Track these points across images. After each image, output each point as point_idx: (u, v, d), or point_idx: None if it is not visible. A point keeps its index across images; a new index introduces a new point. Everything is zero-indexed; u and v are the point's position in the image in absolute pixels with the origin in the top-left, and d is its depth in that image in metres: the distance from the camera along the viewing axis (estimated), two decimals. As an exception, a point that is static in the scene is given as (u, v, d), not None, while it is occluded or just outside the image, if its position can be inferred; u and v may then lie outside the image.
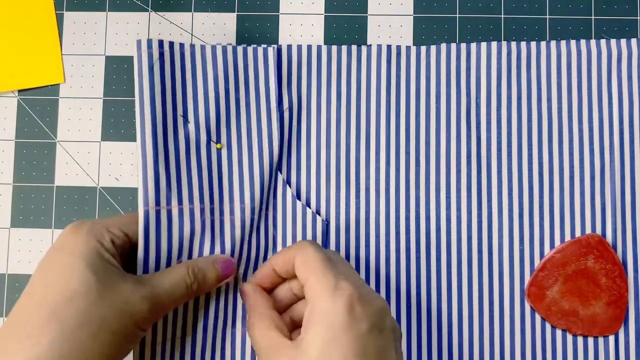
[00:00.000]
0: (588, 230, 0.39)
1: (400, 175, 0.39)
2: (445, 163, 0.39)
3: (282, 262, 0.34)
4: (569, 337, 0.38)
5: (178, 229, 0.36)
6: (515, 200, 0.39)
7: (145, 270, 0.35)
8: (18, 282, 0.40)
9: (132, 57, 0.42)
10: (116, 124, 0.41)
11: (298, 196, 0.39)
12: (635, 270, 0.38)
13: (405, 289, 0.39)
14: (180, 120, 0.37)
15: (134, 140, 0.41)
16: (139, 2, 0.42)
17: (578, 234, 0.39)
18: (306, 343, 0.30)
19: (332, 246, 0.39)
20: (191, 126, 0.37)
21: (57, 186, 0.41)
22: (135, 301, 0.31)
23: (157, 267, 0.35)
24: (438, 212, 0.39)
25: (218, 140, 0.38)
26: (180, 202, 0.36)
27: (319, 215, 0.39)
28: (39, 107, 0.42)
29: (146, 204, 0.35)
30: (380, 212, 0.39)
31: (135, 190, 0.41)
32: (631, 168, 0.39)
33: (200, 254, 0.36)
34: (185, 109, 0.37)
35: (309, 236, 0.39)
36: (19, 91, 0.42)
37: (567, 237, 0.39)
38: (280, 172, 0.39)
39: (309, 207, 0.39)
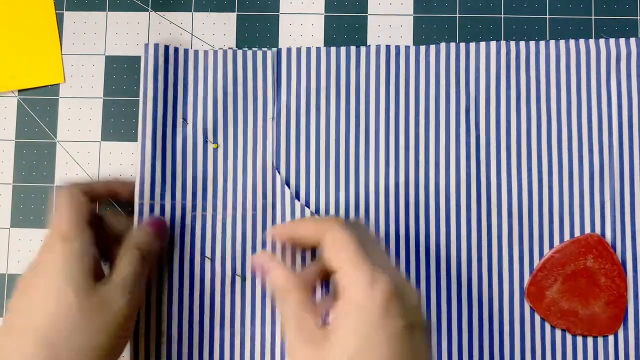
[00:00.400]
0: (587, 230, 0.39)
1: (400, 175, 0.39)
2: (444, 163, 0.39)
3: (313, 232, 0.34)
4: (569, 337, 0.38)
5: (170, 224, 0.38)
6: (515, 200, 0.39)
7: None
8: (18, 282, 0.40)
9: (132, 57, 0.42)
10: (116, 124, 0.41)
11: (297, 196, 0.39)
12: (634, 270, 0.38)
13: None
14: (180, 121, 0.39)
15: (134, 140, 0.41)
16: (139, 2, 0.42)
17: (577, 233, 0.39)
18: (337, 337, 0.30)
19: None
20: (189, 127, 0.39)
21: (57, 186, 0.41)
22: (112, 298, 0.32)
23: None
24: (437, 213, 0.39)
25: (214, 141, 0.39)
26: (173, 197, 0.38)
27: (318, 214, 0.39)
28: (39, 107, 0.42)
29: (141, 197, 0.38)
30: (380, 213, 0.39)
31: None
32: (630, 167, 0.39)
33: (192, 249, 0.38)
34: (185, 111, 0.39)
35: None
36: (19, 91, 0.42)
37: (567, 237, 0.39)
38: (279, 172, 0.39)
39: (308, 207, 0.39)
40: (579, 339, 0.38)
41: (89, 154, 0.41)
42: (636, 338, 0.38)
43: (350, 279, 0.31)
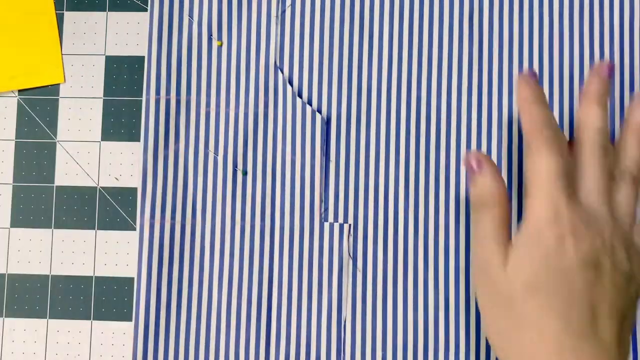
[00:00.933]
0: None
1: (402, 75, 0.40)
2: (447, 66, 0.40)
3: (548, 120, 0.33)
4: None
5: (175, 117, 0.40)
6: (515, 105, 0.40)
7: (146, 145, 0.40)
8: (18, 282, 0.40)
9: (132, 57, 0.42)
10: (116, 124, 0.41)
11: (299, 94, 0.40)
12: None
13: (403, 189, 0.39)
14: (186, 19, 0.41)
15: (134, 140, 0.41)
16: (139, 2, 0.42)
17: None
18: (514, 263, 0.31)
19: (332, 145, 0.40)
20: (194, 24, 0.40)
21: (57, 186, 0.41)
22: None
23: (156, 153, 0.40)
24: (439, 113, 0.40)
25: (219, 38, 0.40)
26: (178, 93, 0.40)
27: (320, 113, 0.40)
28: (39, 107, 0.42)
29: (148, 93, 0.40)
30: (381, 112, 0.40)
31: (135, 190, 0.41)
32: (630, 74, 0.40)
33: (197, 140, 0.40)
34: (191, 8, 0.41)
35: (309, 134, 0.39)
36: (19, 91, 0.42)
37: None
38: (282, 71, 0.40)
39: (310, 105, 0.40)
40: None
41: (89, 154, 0.41)
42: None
43: (534, 209, 0.31)
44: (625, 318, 0.31)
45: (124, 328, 0.39)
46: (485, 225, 0.33)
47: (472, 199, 0.34)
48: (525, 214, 0.32)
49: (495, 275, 0.32)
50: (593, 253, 0.30)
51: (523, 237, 0.32)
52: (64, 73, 0.42)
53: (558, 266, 0.30)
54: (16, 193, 0.41)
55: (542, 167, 0.32)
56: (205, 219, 0.40)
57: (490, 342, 0.33)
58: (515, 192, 0.39)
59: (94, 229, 0.41)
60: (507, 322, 0.31)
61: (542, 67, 0.40)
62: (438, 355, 0.38)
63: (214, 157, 0.40)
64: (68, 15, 0.42)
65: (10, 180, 0.41)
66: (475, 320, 0.38)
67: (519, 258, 0.31)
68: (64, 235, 0.41)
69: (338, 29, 0.41)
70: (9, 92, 0.42)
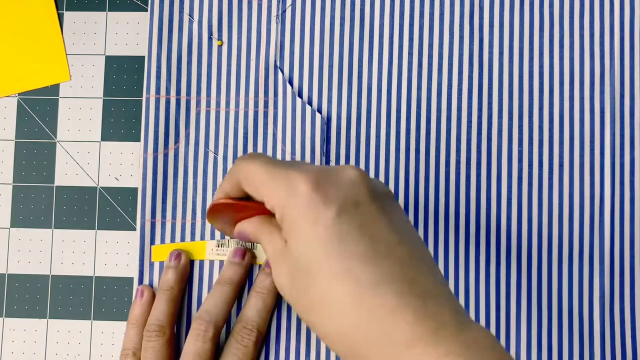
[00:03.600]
0: (587, 134, 0.39)
1: (402, 75, 0.40)
2: (447, 64, 0.40)
3: (230, 188, 0.32)
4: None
5: (175, 117, 0.40)
6: (516, 102, 0.40)
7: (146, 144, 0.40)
8: (18, 282, 0.40)
9: (132, 57, 0.42)
10: (116, 124, 0.41)
11: (299, 94, 0.40)
12: (632, 174, 0.39)
13: (403, 188, 0.39)
14: (186, 18, 0.40)
15: (134, 140, 0.41)
16: (139, 2, 0.42)
17: (577, 137, 0.39)
18: (288, 247, 0.29)
19: (333, 144, 0.40)
20: (195, 23, 0.40)
21: (57, 186, 0.41)
22: None
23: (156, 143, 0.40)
24: (439, 113, 0.40)
25: (219, 37, 0.40)
26: (178, 93, 0.40)
27: (320, 113, 0.40)
28: (39, 107, 0.42)
29: (148, 92, 0.40)
30: (382, 111, 0.40)
31: (135, 190, 0.41)
32: (630, 74, 0.40)
33: (197, 140, 0.40)
34: (192, 7, 0.41)
35: (309, 134, 0.39)
36: (19, 91, 0.42)
37: (566, 140, 0.39)
38: (282, 71, 0.40)
39: (310, 105, 0.40)
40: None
41: (89, 154, 0.41)
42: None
43: (269, 193, 0.29)
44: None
45: (124, 328, 0.39)
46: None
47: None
48: None
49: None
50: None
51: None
52: (69, 71, 0.42)
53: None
54: (16, 193, 0.41)
55: None
56: (205, 219, 0.40)
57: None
58: (515, 192, 0.39)
59: (94, 229, 0.41)
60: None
61: (542, 67, 0.40)
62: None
63: (214, 157, 0.40)
64: (68, 15, 0.42)
65: (10, 180, 0.41)
66: (473, 318, 0.38)
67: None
68: (64, 235, 0.41)
69: (338, 28, 0.41)
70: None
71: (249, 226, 0.33)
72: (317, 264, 0.27)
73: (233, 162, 0.40)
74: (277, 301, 0.38)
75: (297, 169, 0.29)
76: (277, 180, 0.29)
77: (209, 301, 0.37)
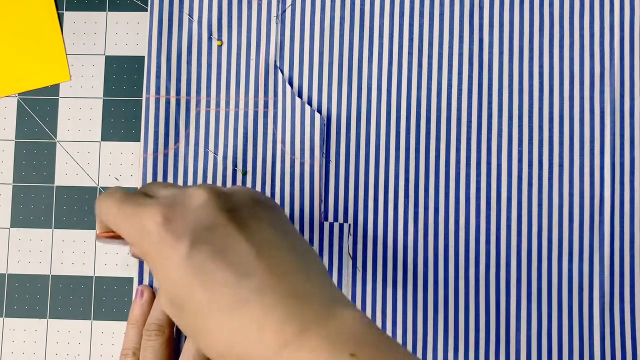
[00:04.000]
0: (587, 134, 0.39)
1: (402, 75, 0.40)
2: (447, 64, 0.40)
3: (99, 225, 0.32)
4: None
5: (175, 117, 0.40)
6: (516, 102, 0.40)
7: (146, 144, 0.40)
8: (18, 282, 0.40)
9: (132, 57, 0.42)
10: (116, 124, 0.41)
11: (299, 94, 0.40)
12: (632, 173, 0.39)
13: (403, 189, 0.39)
14: (185, 17, 0.40)
15: (134, 140, 0.41)
16: (139, 2, 0.42)
17: (577, 137, 0.39)
18: (156, 282, 0.29)
19: (332, 144, 0.40)
20: (194, 23, 0.40)
21: (57, 186, 0.41)
22: None
23: (157, 148, 0.40)
24: (439, 113, 0.40)
25: (219, 37, 0.40)
26: (178, 93, 0.40)
27: (320, 113, 0.40)
28: (39, 107, 0.42)
29: (147, 92, 0.40)
30: (382, 111, 0.40)
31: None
32: (630, 74, 0.40)
33: (197, 140, 0.40)
34: (191, 7, 0.41)
35: (308, 134, 0.39)
36: (19, 91, 0.42)
37: (566, 140, 0.39)
38: (282, 71, 0.40)
39: (310, 105, 0.40)
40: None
41: (89, 154, 0.41)
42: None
43: (128, 238, 0.29)
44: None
45: (124, 328, 0.39)
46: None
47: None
48: None
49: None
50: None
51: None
52: (69, 71, 0.42)
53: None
54: (16, 193, 0.41)
55: None
56: None
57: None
58: (515, 192, 0.39)
59: (94, 228, 0.41)
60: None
61: (542, 67, 0.40)
62: (437, 354, 0.38)
63: (214, 157, 0.40)
64: (68, 15, 0.42)
65: (10, 180, 0.41)
66: (474, 319, 0.38)
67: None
68: (64, 235, 0.41)
69: (338, 28, 0.41)
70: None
71: (133, 252, 0.33)
72: (184, 299, 0.27)
73: (233, 162, 0.40)
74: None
75: (145, 205, 0.28)
76: (128, 220, 0.29)
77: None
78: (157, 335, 0.36)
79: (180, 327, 0.29)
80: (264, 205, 0.30)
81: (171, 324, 0.37)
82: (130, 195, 0.30)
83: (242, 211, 0.29)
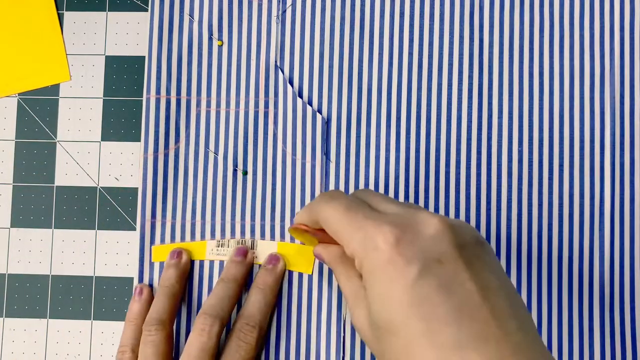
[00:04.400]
0: (587, 134, 0.39)
1: (403, 75, 0.40)
2: (447, 65, 0.40)
3: (308, 221, 0.33)
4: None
5: (175, 117, 0.40)
6: (516, 102, 0.40)
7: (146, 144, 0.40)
8: (18, 282, 0.40)
9: (132, 57, 0.42)
10: (116, 124, 0.41)
11: (300, 94, 0.40)
12: (632, 173, 0.39)
13: (403, 188, 0.39)
14: (186, 17, 0.40)
15: (134, 140, 0.41)
16: (139, 2, 0.42)
17: (577, 136, 0.39)
18: (367, 297, 0.28)
19: (332, 145, 0.40)
20: (195, 23, 0.40)
21: (57, 186, 0.41)
22: None
23: (157, 147, 0.40)
24: (439, 113, 0.40)
25: (219, 37, 0.40)
26: (178, 93, 0.40)
27: (320, 113, 0.40)
28: (39, 107, 0.42)
29: (148, 92, 0.40)
30: (382, 112, 0.40)
31: (135, 190, 0.41)
32: (630, 74, 0.40)
33: (197, 140, 0.40)
34: (192, 7, 0.41)
35: (309, 134, 0.40)
36: (19, 91, 0.42)
37: (566, 140, 0.39)
38: (282, 71, 0.40)
39: (310, 105, 0.40)
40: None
41: (89, 154, 0.41)
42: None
43: (351, 250, 0.29)
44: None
45: (124, 328, 0.39)
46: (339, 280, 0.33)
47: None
48: None
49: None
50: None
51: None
52: (69, 71, 0.42)
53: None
54: (16, 193, 0.41)
55: None
56: (205, 219, 0.40)
57: None
58: (515, 192, 0.39)
59: (94, 229, 0.41)
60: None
61: (542, 67, 0.40)
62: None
63: (214, 157, 0.40)
64: (68, 15, 0.42)
65: (10, 180, 0.41)
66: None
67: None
68: (64, 235, 0.41)
69: (338, 29, 0.41)
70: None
71: (326, 255, 0.34)
72: (397, 325, 0.27)
73: (233, 162, 0.40)
74: (278, 299, 0.38)
75: (375, 220, 0.28)
76: (355, 232, 0.29)
77: (213, 297, 0.37)
78: (157, 330, 0.36)
79: (373, 350, 0.29)
80: (485, 247, 0.29)
81: (172, 320, 0.37)
82: (356, 204, 0.30)
83: (469, 249, 0.28)
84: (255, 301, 0.37)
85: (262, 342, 0.38)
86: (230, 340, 0.36)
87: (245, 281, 0.38)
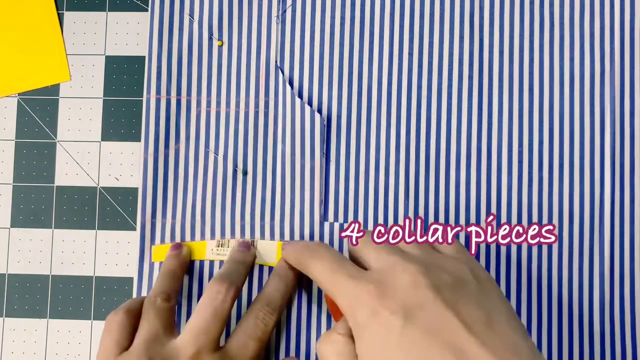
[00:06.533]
0: (587, 134, 0.39)
1: (403, 75, 0.40)
2: (447, 65, 0.40)
3: (296, 265, 0.36)
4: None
5: (175, 117, 0.40)
6: (516, 103, 0.40)
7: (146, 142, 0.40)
8: (18, 282, 0.40)
9: (132, 57, 0.42)
10: (116, 124, 0.41)
11: (299, 94, 0.40)
12: (632, 173, 0.39)
13: (403, 189, 0.39)
14: (186, 17, 0.40)
15: (134, 140, 0.41)
16: (139, 2, 0.42)
17: (577, 136, 0.39)
18: (359, 350, 0.30)
19: (332, 145, 0.40)
20: (195, 23, 0.41)
21: (57, 186, 0.41)
22: None
23: (157, 143, 0.40)
24: (439, 113, 0.40)
25: (219, 38, 0.41)
26: (178, 93, 0.40)
27: (320, 113, 0.40)
28: (39, 107, 0.42)
29: (148, 92, 0.40)
30: (382, 111, 0.40)
31: (135, 190, 0.41)
32: (631, 74, 0.40)
33: (197, 140, 0.40)
34: (192, 7, 0.41)
35: (309, 134, 0.39)
36: (19, 91, 0.42)
37: (566, 140, 0.39)
38: (282, 71, 0.40)
39: (310, 105, 0.40)
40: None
41: (89, 154, 0.41)
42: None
43: (337, 302, 0.31)
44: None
45: (124, 328, 0.39)
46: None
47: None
48: None
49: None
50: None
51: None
52: (69, 71, 0.42)
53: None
54: (16, 193, 0.41)
55: None
56: (205, 219, 0.40)
57: None
58: (515, 192, 0.39)
59: (94, 229, 0.41)
60: None
61: (542, 67, 0.40)
62: None
63: (214, 157, 0.40)
64: (68, 15, 0.42)
65: (10, 180, 0.41)
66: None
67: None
68: (64, 235, 0.41)
69: (338, 29, 0.41)
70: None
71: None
72: None
73: (233, 162, 0.40)
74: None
75: (359, 280, 0.30)
76: (342, 291, 0.31)
77: (226, 267, 0.36)
78: (163, 300, 0.35)
79: None
80: (464, 281, 0.30)
81: (175, 297, 0.36)
82: (339, 264, 0.32)
83: (447, 288, 0.29)
84: (276, 285, 0.36)
85: (274, 331, 0.37)
86: (248, 316, 0.35)
87: (248, 271, 0.38)
